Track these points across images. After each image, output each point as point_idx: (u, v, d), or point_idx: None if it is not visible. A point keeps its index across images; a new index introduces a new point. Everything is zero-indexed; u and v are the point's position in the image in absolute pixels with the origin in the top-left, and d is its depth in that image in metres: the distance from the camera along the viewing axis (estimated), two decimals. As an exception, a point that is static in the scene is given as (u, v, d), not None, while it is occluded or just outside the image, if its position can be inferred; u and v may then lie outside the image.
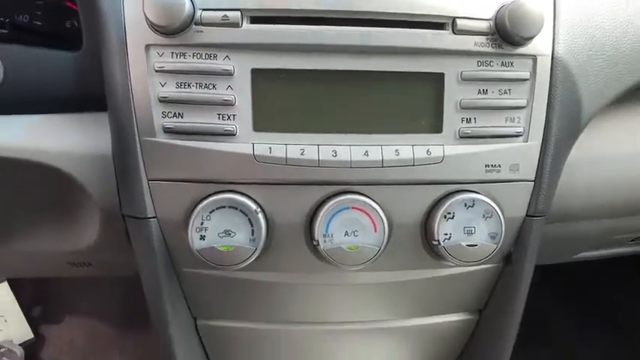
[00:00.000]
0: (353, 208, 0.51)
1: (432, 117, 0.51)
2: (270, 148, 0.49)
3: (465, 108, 0.51)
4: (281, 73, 0.49)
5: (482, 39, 0.50)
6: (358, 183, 0.51)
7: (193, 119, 0.49)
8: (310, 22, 0.48)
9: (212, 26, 0.48)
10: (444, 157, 0.51)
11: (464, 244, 0.52)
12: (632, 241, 0.75)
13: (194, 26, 0.47)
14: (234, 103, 0.49)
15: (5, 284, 0.57)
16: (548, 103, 0.53)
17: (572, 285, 1.43)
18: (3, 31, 0.56)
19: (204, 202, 0.49)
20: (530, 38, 0.50)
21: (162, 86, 0.49)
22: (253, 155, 0.49)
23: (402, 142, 0.51)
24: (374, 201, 0.51)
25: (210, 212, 0.50)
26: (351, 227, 0.51)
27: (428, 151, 0.51)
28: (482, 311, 0.66)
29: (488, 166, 0.52)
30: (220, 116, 0.49)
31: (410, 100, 0.51)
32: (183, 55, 0.48)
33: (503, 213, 0.52)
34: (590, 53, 0.55)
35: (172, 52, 0.48)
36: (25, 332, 0.61)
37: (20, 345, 0.61)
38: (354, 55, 0.50)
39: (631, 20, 0.56)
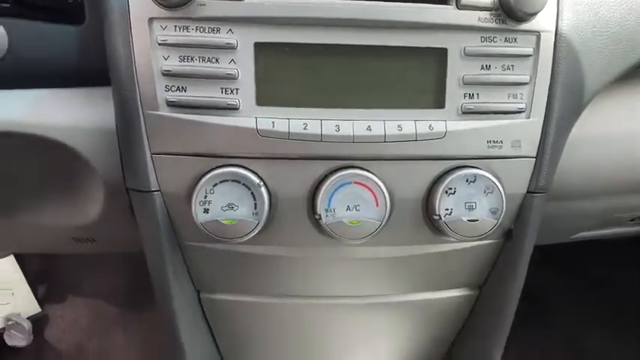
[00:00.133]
0: (355, 182, 0.51)
1: (435, 92, 0.51)
2: (273, 122, 0.50)
3: (467, 84, 0.51)
4: (284, 46, 0.49)
5: (485, 14, 0.50)
6: (361, 158, 0.51)
7: (196, 93, 0.49)
8: None
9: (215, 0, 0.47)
10: (446, 132, 0.51)
11: (465, 219, 0.53)
12: (632, 220, 0.75)
13: None
14: (237, 77, 0.49)
15: (11, 258, 0.58)
16: (551, 79, 0.53)
17: (572, 264, 1.44)
18: (5, 5, 0.56)
19: (208, 176, 0.50)
20: (534, 14, 0.50)
21: (166, 60, 0.49)
22: (256, 129, 0.49)
23: (404, 118, 0.51)
24: (376, 176, 0.51)
25: (214, 186, 0.50)
26: (353, 202, 0.51)
27: (430, 126, 0.51)
28: (482, 287, 0.67)
29: (490, 142, 0.52)
30: (223, 90, 0.49)
31: (413, 75, 0.51)
32: (186, 28, 0.48)
33: (504, 189, 0.53)
34: (595, 30, 0.55)
35: (175, 26, 0.48)
36: (32, 306, 0.62)
37: (28, 319, 0.62)
38: (357, 30, 0.49)
39: (637, -4, 0.56)
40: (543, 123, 0.53)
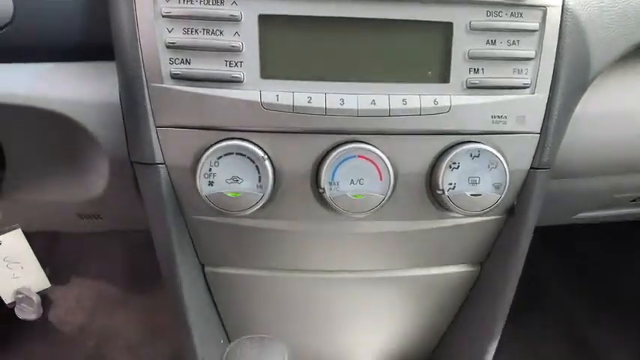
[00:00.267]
0: (359, 156, 0.51)
1: (440, 67, 0.51)
2: (277, 95, 0.49)
3: (473, 58, 0.51)
4: (288, 19, 0.49)
5: None
6: (365, 132, 0.51)
7: (200, 65, 0.49)
8: None
9: None
10: (450, 107, 0.51)
11: (468, 193, 0.53)
12: (633, 201, 0.75)
13: None
14: (241, 49, 0.49)
15: (19, 232, 0.58)
16: (556, 55, 0.52)
17: (571, 250, 1.45)
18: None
19: (212, 149, 0.50)
20: None
21: (170, 32, 0.48)
22: (260, 102, 0.49)
23: (409, 92, 0.51)
24: (380, 150, 0.51)
25: (218, 158, 0.50)
26: (357, 175, 0.52)
27: (435, 100, 0.51)
28: (484, 264, 0.67)
29: (495, 117, 0.52)
30: (227, 63, 0.49)
31: (418, 49, 0.51)
32: (190, 0, 0.48)
33: (507, 164, 0.53)
34: (602, 5, 0.54)
35: None
36: (41, 281, 0.62)
37: (37, 293, 0.63)
38: (363, 2, 0.49)
39: (644, -28, 0.56)
40: (548, 99, 0.53)
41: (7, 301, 0.62)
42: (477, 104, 0.52)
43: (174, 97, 0.49)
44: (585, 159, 0.62)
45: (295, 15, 0.49)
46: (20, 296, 0.62)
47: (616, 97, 0.61)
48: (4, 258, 0.59)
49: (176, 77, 0.49)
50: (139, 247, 1.46)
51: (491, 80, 0.52)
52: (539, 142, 0.54)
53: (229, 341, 0.46)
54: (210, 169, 0.50)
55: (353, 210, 0.52)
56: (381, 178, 0.52)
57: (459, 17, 0.50)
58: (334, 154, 0.51)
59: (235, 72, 0.49)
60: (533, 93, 0.53)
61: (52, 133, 0.56)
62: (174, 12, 0.48)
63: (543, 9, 0.51)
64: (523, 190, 0.57)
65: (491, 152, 0.52)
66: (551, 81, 0.53)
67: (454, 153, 0.52)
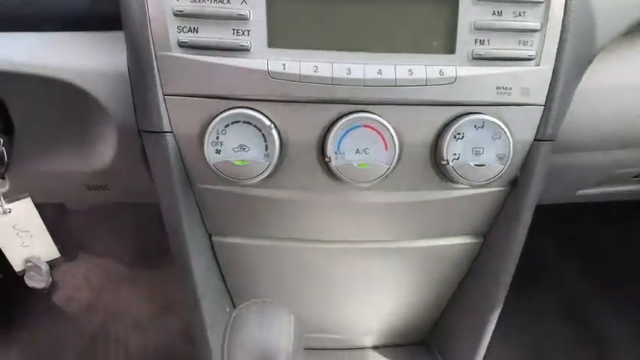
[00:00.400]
0: (365, 126, 0.52)
1: (446, 38, 0.51)
2: (284, 64, 0.50)
3: (478, 29, 0.51)
4: None
5: None
6: (371, 102, 0.52)
7: (208, 34, 0.49)
8: None
9: None
10: (456, 77, 0.51)
11: (472, 163, 0.53)
12: (635, 177, 0.76)
13: None
14: (248, 17, 0.49)
15: (29, 200, 0.59)
16: (562, 27, 0.52)
17: (574, 229, 1.46)
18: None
19: (220, 117, 0.50)
20: None
21: (178, 0, 0.49)
22: (267, 71, 0.50)
23: (415, 62, 0.51)
24: (386, 120, 0.52)
25: (226, 127, 0.51)
26: (363, 145, 0.52)
27: (441, 71, 0.51)
28: (487, 235, 0.68)
29: (500, 88, 0.53)
30: (235, 31, 0.49)
31: (424, 20, 0.51)
32: None
33: (511, 135, 0.53)
34: None
35: None
36: (51, 250, 0.63)
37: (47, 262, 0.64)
38: (370, -27, 0.49)
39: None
40: (553, 71, 0.53)
41: (17, 269, 0.64)
42: (482, 75, 0.52)
43: (181, 66, 0.50)
44: (588, 132, 0.62)
45: None
46: (29, 265, 0.63)
47: (621, 70, 0.61)
48: (13, 226, 0.60)
49: (184, 45, 0.49)
50: (146, 224, 1.47)
51: (497, 51, 0.52)
52: (543, 114, 0.55)
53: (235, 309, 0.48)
54: (217, 138, 0.51)
55: (358, 179, 0.53)
56: (386, 148, 0.52)
57: None
58: (340, 123, 0.51)
59: (242, 40, 0.49)
60: (538, 65, 0.53)
61: (61, 103, 0.57)
62: (182, -20, 0.48)
63: (549, -19, 0.51)
64: (526, 161, 0.58)
65: (495, 123, 0.53)
66: (556, 53, 0.53)
67: (459, 124, 0.52)
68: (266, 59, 0.50)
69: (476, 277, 0.72)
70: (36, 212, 0.61)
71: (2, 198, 0.57)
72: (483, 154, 0.53)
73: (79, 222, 1.46)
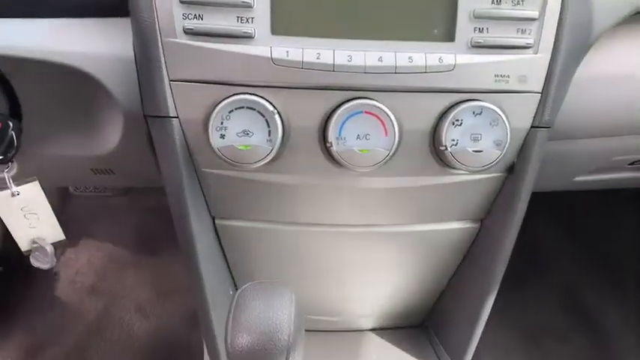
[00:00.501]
0: (365, 112, 0.53)
1: (446, 25, 0.52)
2: (287, 51, 0.51)
3: (478, 17, 0.52)
4: None
5: None
6: (371, 89, 0.53)
7: (213, 21, 0.50)
8: None
9: None
10: (455, 65, 0.53)
11: (470, 149, 0.55)
12: (631, 164, 0.77)
13: None
14: (252, 5, 0.50)
15: (37, 183, 0.61)
16: (559, 16, 0.54)
17: (570, 216, 1.48)
18: None
19: (224, 103, 0.52)
20: None
21: None
22: (271, 58, 0.51)
23: (415, 50, 0.52)
24: (386, 106, 0.53)
25: (230, 112, 0.52)
26: (363, 131, 0.53)
27: (440, 59, 0.52)
28: (484, 220, 0.69)
29: (498, 76, 0.54)
30: (239, 19, 0.50)
31: (424, 7, 0.52)
32: None
33: (509, 122, 0.55)
34: None
35: None
36: (56, 232, 0.65)
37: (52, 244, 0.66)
38: (371, -39, 0.50)
39: None
40: (550, 59, 0.55)
41: (24, 248, 0.65)
42: (480, 63, 0.53)
43: (187, 52, 0.51)
44: (585, 120, 0.63)
45: None
46: (35, 245, 0.65)
47: (617, 59, 0.62)
48: (21, 208, 0.61)
49: (189, 32, 0.50)
50: (149, 211, 1.49)
51: (495, 40, 0.53)
52: (540, 102, 0.56)
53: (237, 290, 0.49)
54: (221, 123, 0.52)
55: (359, 164, 0.54)
56: (386, 134, 0.54)
57: None
58: (341, 109, 0.53)
59: (246, 28, 0.50)
60: (536, 53, 0.54)
61: (68, 88, 0.58)
62: (188, -33, 0.49)
63: (548, -30, 0.52)
64: (523, 148, 0.59)
65: (493, 110, 0.54)
66: (554, 42, 0.54)
67: (457, 110, 0.54)
68: (269, 46, 0.51)
69: (473, 261, 0.74)
70: (43, 195, 0.62)
71: (11, 181, 0.58)
72: (481, 140, 0.55)
73: (83, 207, 1.48)
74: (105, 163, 0.66)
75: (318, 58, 0.51)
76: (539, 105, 0.56)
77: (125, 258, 1.44)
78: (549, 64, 0.55)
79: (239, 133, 0.52)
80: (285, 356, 0.43)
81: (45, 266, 0.66)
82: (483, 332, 0.76)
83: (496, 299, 0.73)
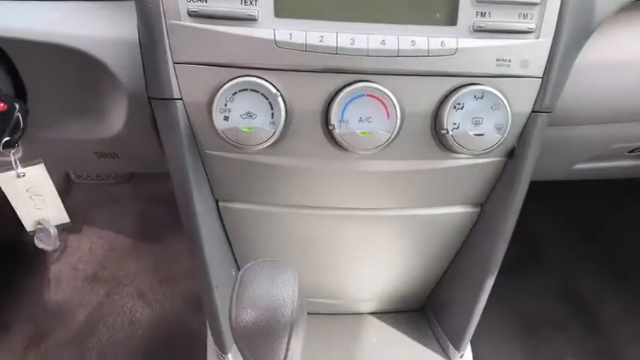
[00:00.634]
0: (368, 95, 0.53)
1: (448, 10, 0.53)
2: (290, 34, 0.51)
3: (480, 2, 0.52)
4: None
5: None
6: (374, 72, 0.53)
7: (217, 3, 0.50)
8: None
9: None
10: (457, 49, 0.53)
11: (471, 133, 0.55)
12: (630, 152, 0.78)
13: None
14: None
15: (42, 165, 0.61)
16: (561, 1, 0.54)
17: (568, 207, 1.49)
18: None
19: (228, 85, 0.52)
20: None
21: None
22: (274, 41, 0.51)
23: (417, 33, 0.52)
24: (388, 89, 0.53)
25: (233, 94, 0.52)
26: (366, 113, 0.54)
27: (442, 42, 0.53)
28: (484, 205, 0.70)
29: (499, 60, 0.54)
30: (243, 1, 0.51)
31: None
32: None
33: (510, 106, 0.55)
34: None
35: None
36: (61, 215, 0.66)
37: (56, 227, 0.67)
38: (374, -56, 0.50)
39: None
40: (551, 44, 0.55)
41: (29, 229, 0.66)
42: (482, 47, 0.53)
43: (191, 34, 0.51)
44: (585, 106, 0.64)
45: None
46: (40, 227, 0.65)
47: (618, 45, 0.63)
48: (27, 189, 0.62)
49: (193, 15, 0.51)
50: (150, 199, 1.50)
51: (497, 24, 0.53)
52: (540, 86, 0.56)
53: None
54: (225, 105, 0.53)
55: (361, 147, 0.55)
56: (388, 117, 0.54)
57: None
58: (344, 92, 0.53)
59: (250, 10, 0.51)
60: (538, 38, 0.54)
61: (73, 71, 0.58)
62: (192, -51, 0.49)
63: (550, -46, 0.52)
64: (524, 132, 0.59)
65: (494, 94, 0.54)
66: (556, 27, 0.54)
67: (459, 94, 0.54)
68: (273, 29, 0.51)
69: (472, 245, 0.75)
70: (48, 178, 0.63)
71: (18, 162, 0.59)
72: (482, 124, 0.55)
73: (84, 195, 1.49)
74: (109, 146, 0.67)
75: (321, 40, 0.52)
76: (540, 90, 0.57)
77: (127, 245, 1.45)
78: (551, 49, 0.55)
79: (242, 115, 0.53)
80: (288, 332, 0.44)
81: (49, 248, 0.67)
82: (481, 319, 0.77)
83: (494, 287, 0.74)
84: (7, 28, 0.54)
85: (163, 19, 0.51)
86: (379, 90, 0.53)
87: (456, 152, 0.58)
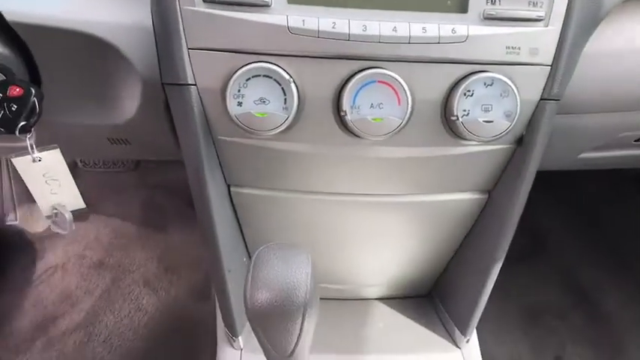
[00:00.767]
0: (379, 81, 0.54)
1: None
2: (303, 20, 0.52)
3: None
4: None
5: None
6: (385, 59, 0.54)
7: None
8: None
9: None
10: (467, 36, 0.54)
11: (480, 119, 0.56)
12: (637, 141, 0.78)
13: None
14: None
15: (58, 150, 0.62)
16: None
17: (573, 198, 1.49)
18: None
19: (241, 71, 0.53)
20: None
21: None
22: (287, 27, 0.52)
23: (429, 21, 0.53)
24: (399, 76, 0.54)
25: (247, 80, 0.53)
26: (377, 100, 0.55)
27: (453, 30, 0.53)
28: (491, 192, 0.71)
29: (509, 48, 0.55)
30: None
31: None
32: None
33: (519, 93, 0.56)
34: None
35: None
36: (76, 200, 0.67)
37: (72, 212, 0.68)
38: None
39: None
40: (560, 32, 0.55)
41: (45, 214, 0.67)
42: (492, 35, 0.54)
43: (205, 20, 0.52)
44: (593, 94, 0.64)
45: None
46: (55, 211, 0.66)
47: (626, 34, 0.63)
48: (43, 174, 0.63)
49: (208, 0, 0.51)
50: (157, 187, 1.51)
51: (507, 12, 0.54)
52: (549, 74, 0.57)
53: (251, 259, 0.51)
54: (239, 90, 0.53)
55: (372, 133, 0.56)
56: (399, 103, 0.55)
57: None
58: (355, 78, 0.54)
59: None
60: (547, 26, 0.55)
61: (87, 56, 0.58)
62: None
63: (560, -58, 0.53)
64: (532, 120, 0.60)
65: (504, 81, 0.55)
66: (565, 15, 0.55)
67: (469, 81, 0.55)
68: (286, 15, 0.52)
69: (479, 232, 0.76)
70: (64, 163, 0.63)
71: (34, 147, 0.60)
72: (492, 111, 0.56)
73: (91, 183, 1.50)
74: (122, 132, 0.67)
75: (333, 27, 0.52)
76: (548, 77, 0.57)
77: (133, 233, 1.46)
78: (560, 37, 0.56)
79: (256, 100, 0.54)
80: (302, 312, 0.45)
81: (64, 232, 0.68)
82: (485, 307, 0.78)
83: (498, 276, 0.75)
84: (24, 13, 0.54)
85: (178, 5, 0.52)
86: (390, 76, 0.54)
87: (465, 139, 0.58)
